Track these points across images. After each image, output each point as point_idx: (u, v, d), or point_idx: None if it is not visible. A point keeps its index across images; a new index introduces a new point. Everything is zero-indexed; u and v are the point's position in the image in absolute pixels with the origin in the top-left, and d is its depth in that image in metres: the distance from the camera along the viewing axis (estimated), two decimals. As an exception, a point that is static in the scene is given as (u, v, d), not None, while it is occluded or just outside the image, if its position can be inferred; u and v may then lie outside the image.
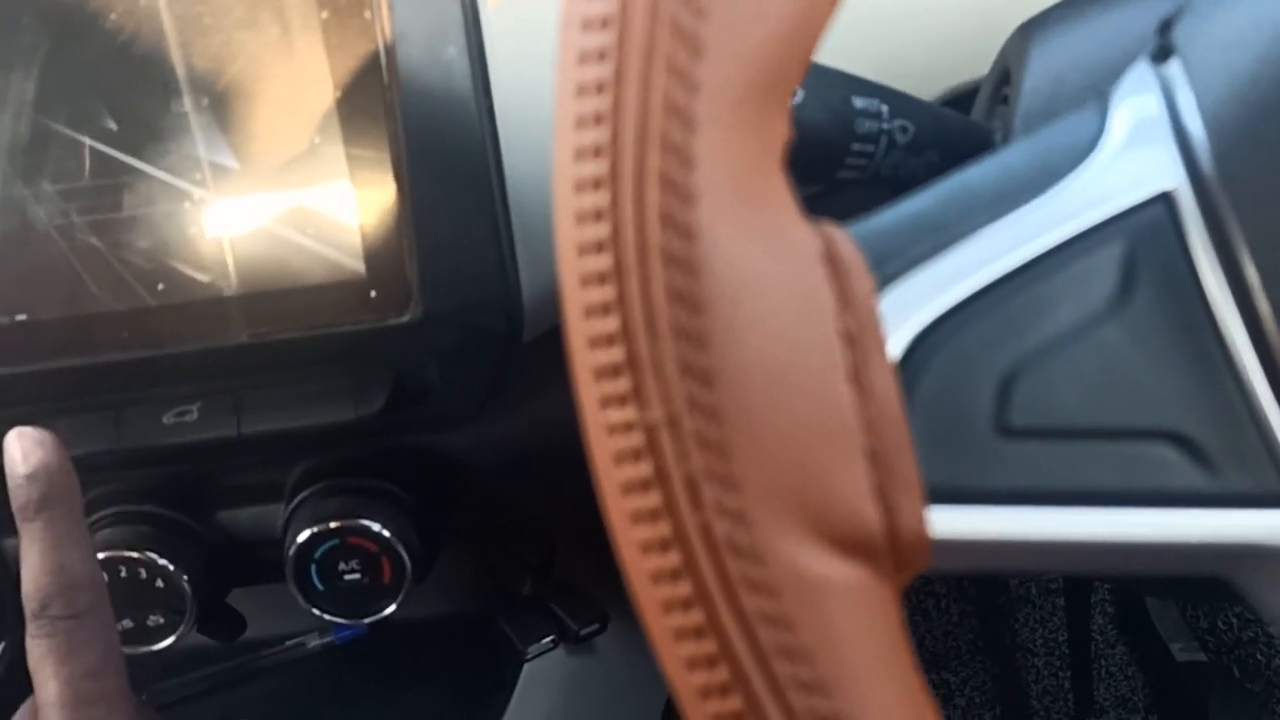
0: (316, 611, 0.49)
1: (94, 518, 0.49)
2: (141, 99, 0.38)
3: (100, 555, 0.46)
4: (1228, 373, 0.22)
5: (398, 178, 0.38)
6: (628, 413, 0.20)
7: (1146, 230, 0.22)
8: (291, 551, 0.47)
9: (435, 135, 0.39)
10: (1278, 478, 0.21)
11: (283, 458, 0.49)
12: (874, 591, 0.21)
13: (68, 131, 0.38)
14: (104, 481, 0.49)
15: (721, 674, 0.20)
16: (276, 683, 0.56)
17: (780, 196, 0.21)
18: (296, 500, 0.49)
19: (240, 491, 0.50)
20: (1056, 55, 0.37)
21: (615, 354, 0.20)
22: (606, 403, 0.20)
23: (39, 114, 0.38)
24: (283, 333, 0.40)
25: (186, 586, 0.47)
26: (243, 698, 0.56)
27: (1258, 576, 0.22)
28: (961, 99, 0.46)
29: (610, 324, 0.20)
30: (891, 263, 0.23)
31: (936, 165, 0.40)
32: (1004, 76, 0.40)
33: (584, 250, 0.20)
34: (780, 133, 0.21)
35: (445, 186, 0.39)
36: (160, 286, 0.39)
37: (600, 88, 0.20)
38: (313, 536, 0.47)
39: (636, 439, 0.20)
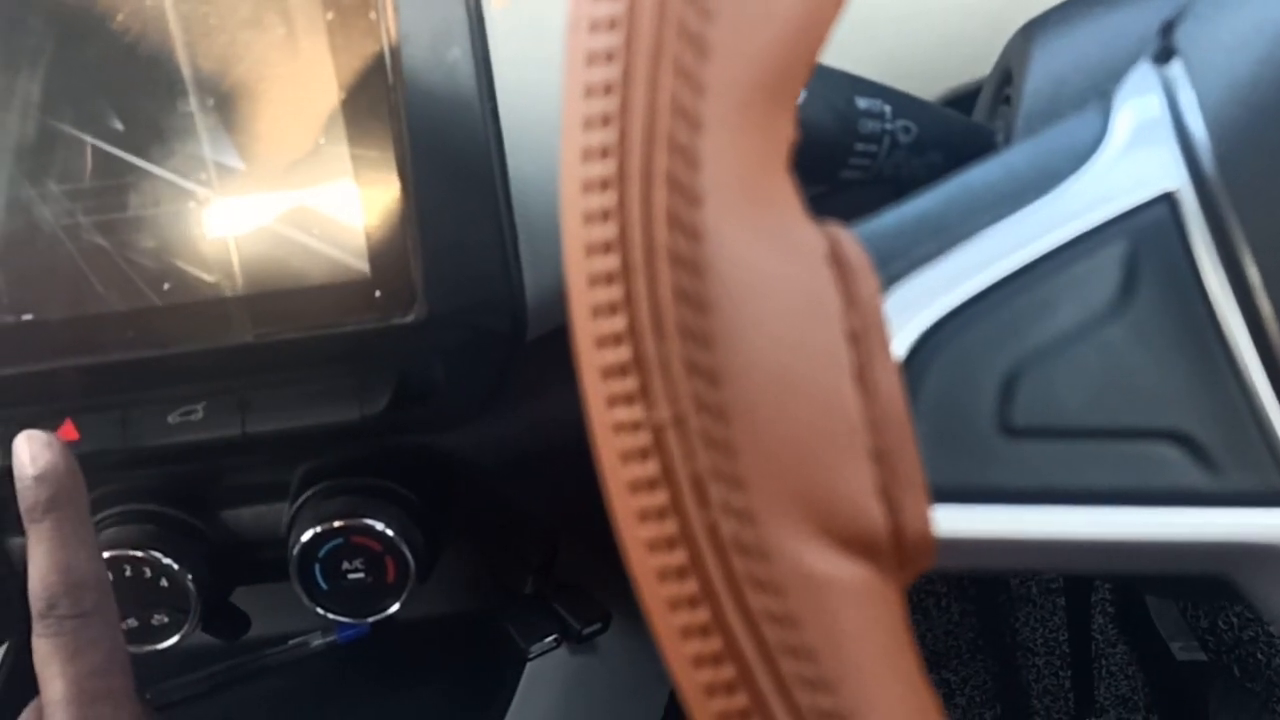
0: (320, 611, 0.49)
1: (99, 517, 0.49)
2: (147, 99, 0.38)
3: (105, 554, 0.46)
4: (1229, 372, 0.22)
5: (402, 178, 0.39)
6: (634, 412, 0.20)
7: (1149, 231, 0.23)
8: (295, 551, 0.47)
9: (439, 136, 0.39)
10: (1279, 477, 0.22)
11: (287, 457, 0.49)
12: (878, 590, 0.21)
13: (74, 132, 0.38)
14: (109, 480, 0.49)
15: (727, 671, 0.20)
16: (280, 682, 0.56)
17: (786, 197, 0.21)
18: (300, 499, 0.49)
19: (244, 491, 0.50)
20: (1058, 56, 0.37)
21: (622, 353, 0.20)
22: (613, 402, 0.20)
23: (45, 114, 0.38)
24: (287, 333, 0.40)
25: (191, 585, 0.47)
26: (246, 697, 0.56)
27: (1259, 576, 0.22)
28: (963, 99, 0.46)
29: (617, 323, 0.20)
30: (895, 263, 0.23)
31: (939, 166, 0.40)
32: (1006, 77, 0.40)
33: (591, 250, 0.20)
34: (786, 134, 0.22)
35: (449, 187, 0.39)
36: (166, 286, 0.39)
37: (608, 89, 0.20)
38: (317, 536, 0.47)
39: (643, 438, 0.20)
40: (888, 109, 0.39)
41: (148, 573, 0.47)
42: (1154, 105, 0.24)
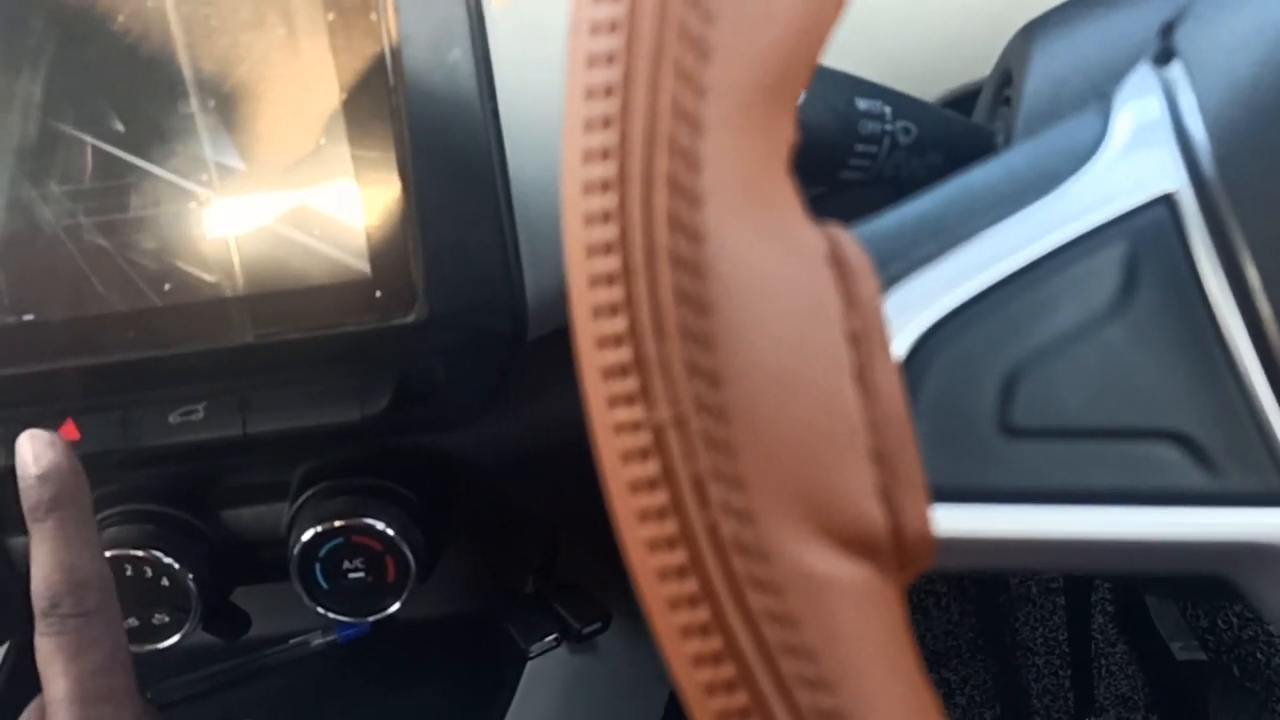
0: (320, 610, 0.49)
1: (100, 516, 0.49)
2: (148, 100, 0.38)
3: (106, 554, 0.46)
4: (1229, 373, 0.22)
5: (403, 179, 0.39)
6: (635, 412, 0.20)
7: (1148, 232, 0.23)
8: (296, 550, 0.47)
9: (440, 136, 0.39)
10: (1278, 477, 0.22)
11: (288, 457, 0.49)
12: (878, 590, 0.21)
13: (75, 132, 0.38)
14: (110, 480, 0.49)
15: (727, 671, 0.20)
16: (280, 681, 0.56)
17: (786, 198, 0.21)
18: (301, 499, 0.49)
19: (245, 490, 0.50)
20: (1058, 57, 0.37)
21: (623, 354, 0.20)
22: (614, 402, 0.20)
23: (46, 115, 0.38)
24: (288, 333, 0.40)
25: (191, 585, 0.47)
26: (246, 696, 0.56)
27: (1258, 575, 0.22)
28: (963, 100, 0.46)
29: (618, 324, 0.20)
30: (895, 264, 0.23)
31: (939, 167, 0.40)
32: (1006, 78, 0.40)
33: (592, 252, 0.20)
34: (786, 135, 0.22)
35: (450, 187, 0.39)
36: (167, 287, 0.39)
37: (609, 91, 0.20)
38: (317, 535, 0.47)
39: (644, 438, 0.20)
40: (888, 110, 0.39)
41: (148, 572, 0.47)
42: (1154, 107, 0.24)
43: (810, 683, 0.20)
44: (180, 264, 0.39)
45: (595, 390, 0.21)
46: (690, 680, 0.21)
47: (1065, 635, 1.00)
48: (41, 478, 0.37)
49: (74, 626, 0.36)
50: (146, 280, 0.39)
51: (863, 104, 0.38)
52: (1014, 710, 1.00)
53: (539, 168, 0.42)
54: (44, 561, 0.37)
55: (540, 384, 0.47)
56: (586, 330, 0.21)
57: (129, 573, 0.47)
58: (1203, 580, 0.23)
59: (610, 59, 0.21)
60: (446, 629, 0.59)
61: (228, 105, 0.38)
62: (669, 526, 0.20)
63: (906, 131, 0.39)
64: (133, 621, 0.48)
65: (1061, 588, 0.99)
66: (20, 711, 0.39)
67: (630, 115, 0.20)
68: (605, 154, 0.20)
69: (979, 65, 0.44)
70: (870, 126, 0.38)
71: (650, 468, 0.20)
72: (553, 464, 0.51)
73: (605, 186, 0.20)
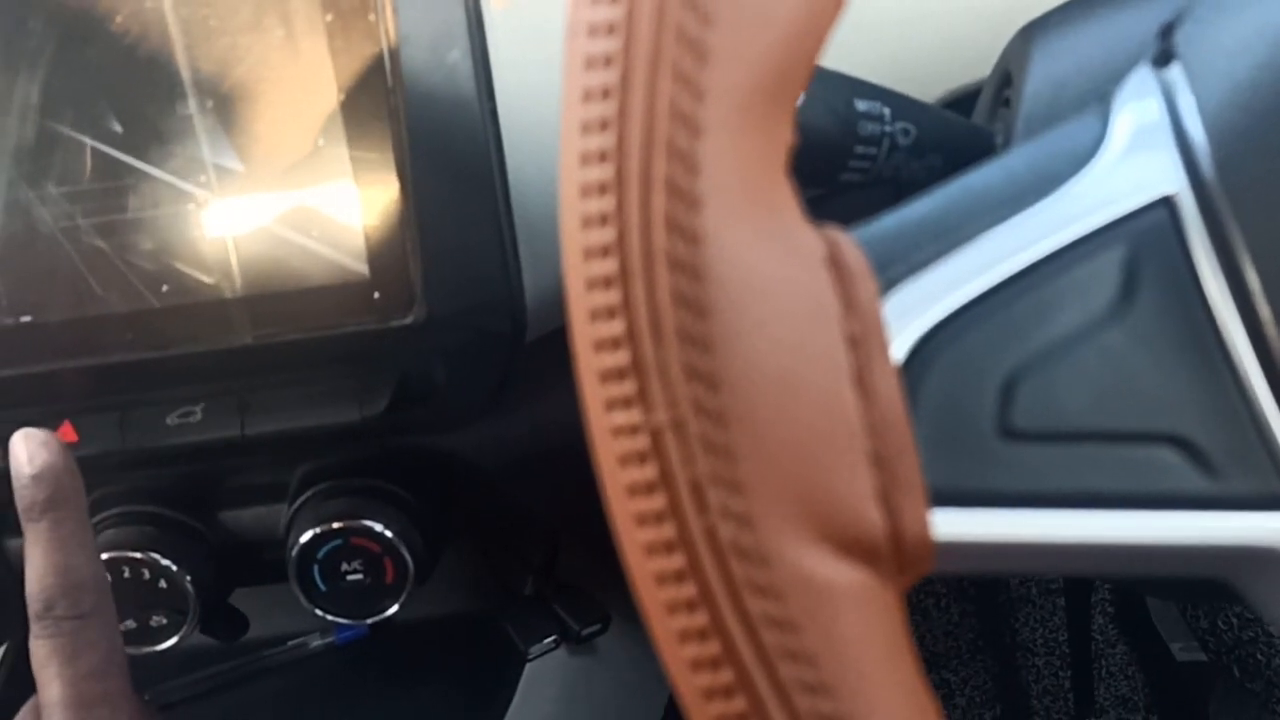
0: (319, 612, 0.49)
1: (98, 518, 0.49)
2: (146, 102, 0.38)
3: (104, 556, 0.46)
4: (1229, 376, 0.22)
5: (401, 180, 0.39)
6: (633, 415, 0.20)
7: (1148, 235, 0.23)
8: (294, 552, 0.47)
9: (439, 138, 0.39)
10: (1278, 480, 0.22)
11: (286, 459, 0.49)
12: (877, 594, 0.21)
13: (73, 134, 0.38)
14: (108, 482, 0.49)
15: (726, 676, 0.20)
16: (279, 683, 0.56)
17: (785, 201, 0.21)
18: (299, 501, 0.49)
19: (244, 492, 0.50)
20: (1058, 59, 0.37)
21: (620, 357, 0.20)
22: (612, 405, 0.20)
23: (45, 117, 0.38)
24: (287, 334, 0.40)
25: (189, 587, 0.47)
26: (245, 698, 0.56)
27: (1259, 579, 0.22)
28: (962, 101, 0.46)
29: (615, 327, 0.20)
30: (894, 267, 0.23)
31: (938, 168, 0.40)
32: (1005, 79, 0.40)
33: (590, 254, 0.20)
34: (785, 137, 0.22)
35: (449, 188, 0.39)
36: (165, 288, 0.39)
37: (606, 93, 0.20)
38: (316, 537, 0.47)
39: (642, 442, 0.20)
40: (887, 111, 0.39)
41: (146, 574, 0.47)
42: (1153, 109, 0.24)
43: (809, 687, 0.20)
44: (179, 265, 0.39)
45: (593, 393, 0.21)
46: (688, 684, 0.21)
47: (1065, 636, 1.00)
48: (36, 478, 0.36)
49: (69, 629, 0.36)
50: (145, 281, 0.39)
51: (862, 105, 0.38)
52: (1014, 711, 1.00)
53: (538, 169, 0.42)
54: (38, 563, 0.36)
55: (539, 385, 0.47)
56: (584, 333, 0.21)
57: (127, 574, 0.47)
58: (1203, 583, 0.23)
59: (608, 61, 0.21)
60: (445, 630, 0.59)
61: (226, 106, 0.38)
62: (667, 530, 0.20)
63: (906, 133, 0.39)
64: (131, 623, 0.48)
65: (1061, 589, 0.99)
66: (17, 711, 0.39)
67: (628, 118, 0.20)
68: (603, 156, 0.20)
69: (978, 66, 0.44)
70: (869, 128, 0.38)
71: (648, 471, 0.20)
72: (552, 465, 0.51)
73: (603, 189, 0.20)
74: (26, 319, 0.40)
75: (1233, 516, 0.22)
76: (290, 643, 0.56)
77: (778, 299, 0.20)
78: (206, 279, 0.39)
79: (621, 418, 0.20)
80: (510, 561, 0.59)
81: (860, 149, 0.38)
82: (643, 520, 0.20)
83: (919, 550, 0.21)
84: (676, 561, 0.20)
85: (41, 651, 0.36)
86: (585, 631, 0.56)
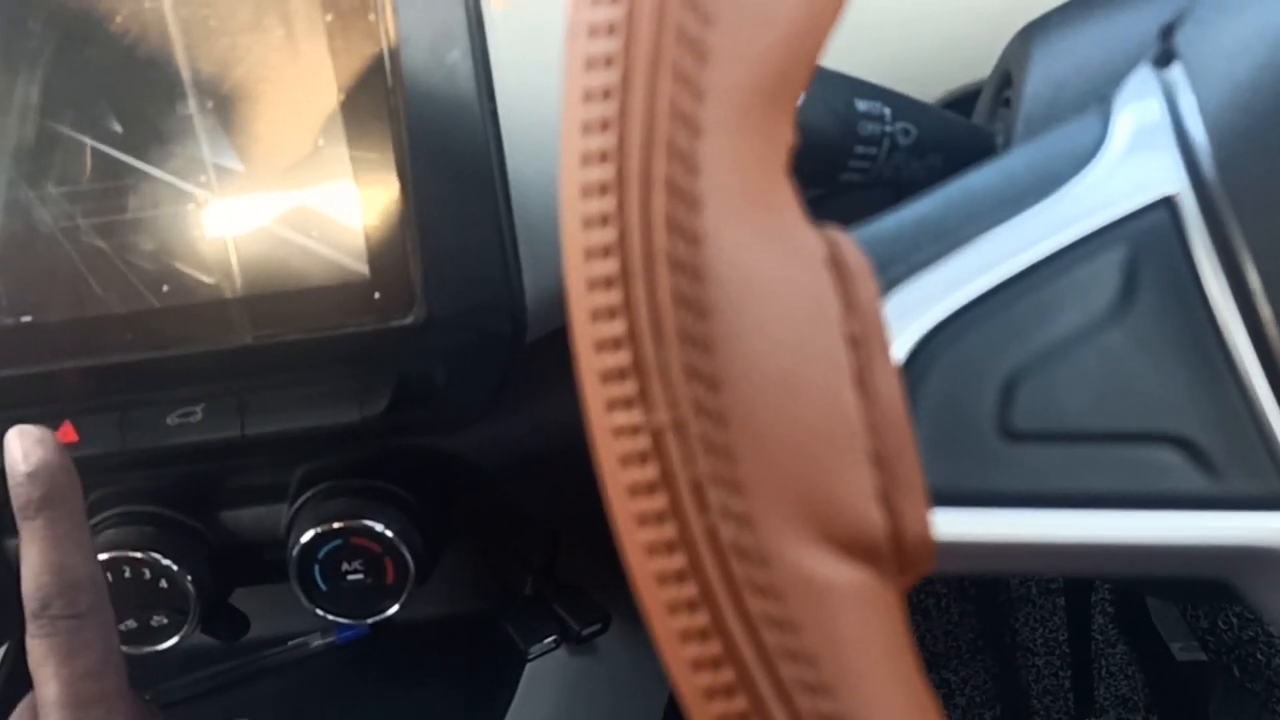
0: (319, 612, 0.49)
1: (98, 518, 0.49)
2: (146, 102, 0.38)
3: (104, 556, 0.46)
4: (1229, 377, 0.22)
5: (401, 180, 0.39)
6: (634, 416, 0.20)
7: (1149, 235, 0.23)
8: (295, 552, 0.47)
9: (439, 138, 0.39)
10: (1279, 481, 0.22)
11: (287, 459, 0.49)
12: (878, 594, 0.21)
13: (73, 134, 0.38)
14: (108, 482, 0.49)
15: (726, 675, 0.20)
16: (279, 683, 0.56)
17: (785, 201, 0.21)
18: (300, 501, 0.49)
19: (244, 492, 0.50)
20: (1058, 59, 0.37)
21: (621, 358, 0.20)
22: (613, 406, 0.20)
23: (45, 117, 0.38)
24: (287, 334, 0.40)
25: (190, 587, 0.47)
26: (245, 698, 0.56)
27: (1259, 579, 0.22)
28: (962, 102, 0.46)
29: (616, 328, 0.20)
30: (895, 267, 0.23)
31: (938, 168, 0.40)
32: (1005, 80, 0.40)
33: (590, 255, 0.20)
34: (785, 138, 0.22)
35: (449, 189, 0.39)
36: (165, 288, 0.39)
37: (607, 94, 0.20)
38: (316, 537, 0.47)
39: (643, 442, 0.20)
40: (887, 111, 0.39)
41: (147, 574, 0.47)
42: (1154, 109, 0.24)
43: (810, 687, 0.20)
44: (179, 265, 0.39)
45: (594, 393, 0.21)
46: (689, 684, 0.21)
47: (1065, 636, 1.00)
48: (31, 475, 0.36)
49: (65, 628, 0.36)
50: (145, 282, 0.39)
51: (862, 105, 0.38)
52: (1014, 711, 1.00)
53: (538, 169, 0.42)
54: (34, 562, 0.36)
55: (539, 385, 0.47)
56: (585, 333, 0.21)
57: (127, 574, 0.47)
58: (1204, 583, 0.23)
59: (608, 62, 0.21)
60: (446, 630, 0.59)
61: (226, 107, 0.38)
62: (668, 530, 0.20)
63: (906, 133, 0.39)
64: (131, 623, 0.48)
65: (1061, 589, 0.99)
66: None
67: (628, 118, 0.20)
68: (603, 157, 0.20)
69: (978, 67, 0.44)
70: (870, 128, 0.38)
71: (649, 471, 0.20)
72: (552, 465, 0.51)
73: (603, 189, 0.20)
74: (26, 319, 0.40)
75: (1233, 516, 0.22)
76: (291, 642, 0.56)
77: (778, 299, 0.20)
78: (206, 279, 0.39)
79: (622, 418, 0.20)
80: (510, 561, 0.59)
81: (860, 149, 0.38)
82: (644, 520, 0.20)
83: (919, 550, 0.21)
84: (677, 561, 0.20)
85: (38, 650, 0.36)
86: (585, 631, 0.56)
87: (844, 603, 0.20)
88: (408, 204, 0.39)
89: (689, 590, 0.20)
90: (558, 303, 0.43)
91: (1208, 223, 0.22)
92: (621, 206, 0.20)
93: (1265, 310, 0.21)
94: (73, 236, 0.39)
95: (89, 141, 0.38)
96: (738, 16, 0.20)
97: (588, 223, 0.20)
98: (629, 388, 0.20)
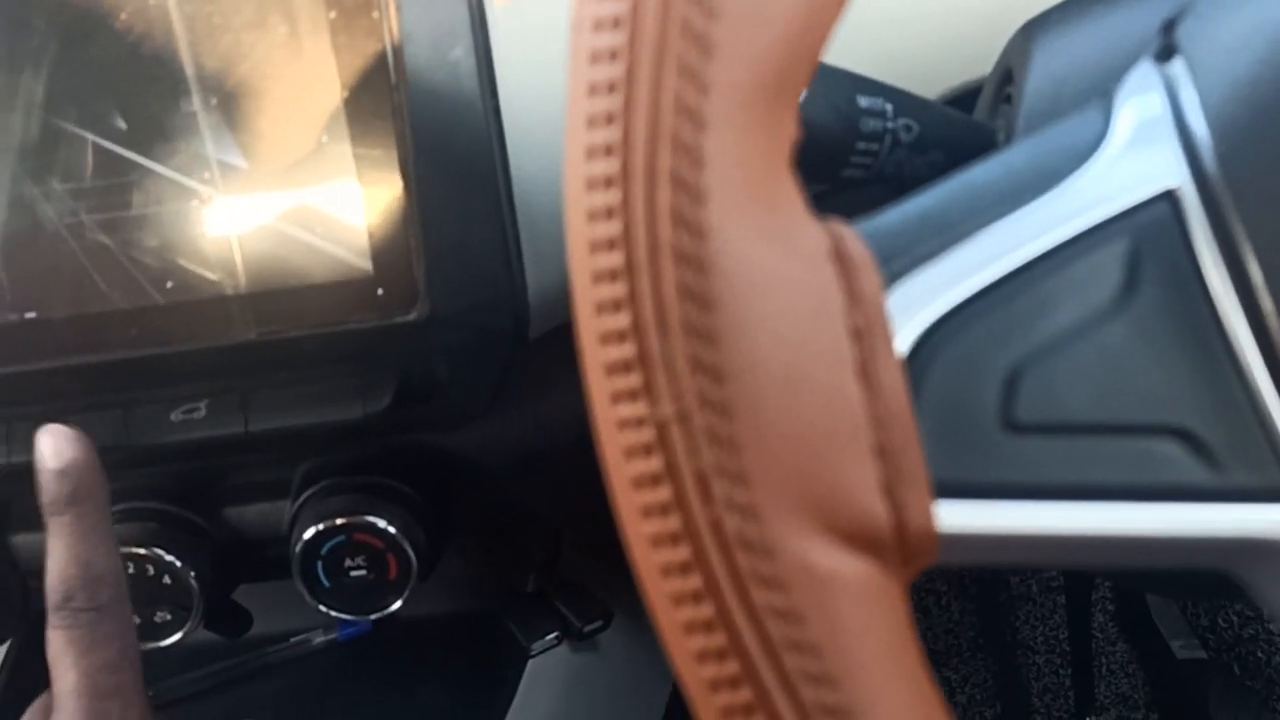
0: (322, 608, 0.49)
1: (101, 515, 0.49)
2: (150, 98, 0.38)
3: (108, 552, 0.47)
4: (1231, 369, 0.22)
5: (404, 177, 0.39)
6: (638, 408, 0.20)
7: (1150, 228, 0.23)
8: (298, 548, 0.47)
9: (442, 135, 0.39)
10: (1280, 473, 0.22)
11: (290, 455, 0.49)
12: (882, 586, 0.21)
13: (77, 130, 0.38)
14: (112, 478, 0.49)
15: (731, 667, 0.20)
16: (282, 679, 0.56)
17: (789, 195, 0.21)
18: (303, 497, 0.49)
19: (247, 488, 0.50)
20: (1059, 55, 0.37)
21: (626, 350, 0.20)
22: (617, 398, 0.21)
23: (49, 114, 0.38)
24: (290, 331, 0.40)
25: (193, 583, 0.47)
26: (248, 694, 0.56)
27: (1261, 571, 0.22)
28: (964, 98, 0.46)
29: (621, 320, 0.20)
30: (898, 260, 0.23)
31: (940, 164, 0.40)
32: (1006, 76, 0.40)
33: (595, 247, 0.20)
34: (789, 132, 0.22)
35: (452, 185, 0.39)
36: (169, 285, 0.39)
37: (612, 87, 0.20)
38: (319, 533, 0.47)
39: (647, 434, 0.20)
40: (889, 107, 0.39)
41: (150, 570, 0.47)
42: (1155, 103, 0.24)
43: (814, 678, 0.20)
44: (182, 262, 0.39)
45: (598, 386, 0.21)
46: (694, 675, 0.21)
47: (1066, 634, 1.00)
48: (60, 473, 0.37)
49: (86, 621, 0.37)
50: (149, 278, 0.39)
51: (864, 101, 0.38)
52: (1014, 709, 1.00)
53: (540, 166, 0.42)
54: (60, 556, 0.37)
55: (542, 382, 0.47)
56: (590, 326, 0.21)
57: (131, 570, 0.47)
58: (1205, 577, 0.23)
59: (613, 55, 0.21)
60: (448, 627, 0.59)
61: (230, 103, 0.38)
62: (672, 522, 0.20)
63: (908, 129, 0.39)
64: (135, 619, 0.48)
65: (1062, 586, 0.99)
66: (21, 710, 0.39)
67: (633, 111, 0.20)
68: (608, 150, 0.20)
69: (980, 63, 0.44)
70: (872, 124, 0.38)
71: (653, 463, 0.20)
72: (555, 462, 0.51)
73: (608, 182, 0.20)
74: (30, 315, 0.40)
75: (1235, 509, 0.22)
76: (294, 639, 0.57)
77: (782, 292, 0.21)
78: (210, 276, 0.39)
79: (627, 410, 0.20)
80: (512, 558, 0.59)
81: (862, 145, 0.38)
82: (648, 512, 0.21)
83: (923, 542, 0.21)
84: (682, 553, 0.20)
85: (58, 641, 0.37)
86: (587, 628, 0.56)
87: (848, 594, 0.21)
88: (410, 201, 0.39)
89: (693, 582, 0.20)
90: (560, 300, 0.43)
91: (1209, 216, 0.22)
92: (626, 200, 0.20)
93: (1267, 303, 0.22)
94: (77, 233, 0.39)
95: (93, 138, 0.39)
96: (742, 11, 0.21)
97: (592, 216, 0.21)
98: (634, 380, 0.20)
